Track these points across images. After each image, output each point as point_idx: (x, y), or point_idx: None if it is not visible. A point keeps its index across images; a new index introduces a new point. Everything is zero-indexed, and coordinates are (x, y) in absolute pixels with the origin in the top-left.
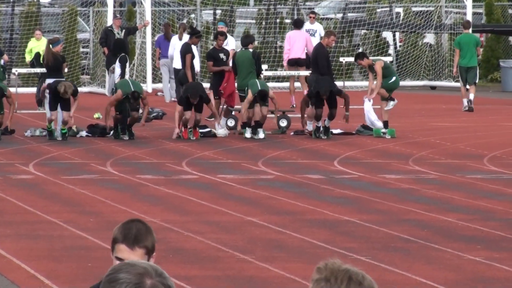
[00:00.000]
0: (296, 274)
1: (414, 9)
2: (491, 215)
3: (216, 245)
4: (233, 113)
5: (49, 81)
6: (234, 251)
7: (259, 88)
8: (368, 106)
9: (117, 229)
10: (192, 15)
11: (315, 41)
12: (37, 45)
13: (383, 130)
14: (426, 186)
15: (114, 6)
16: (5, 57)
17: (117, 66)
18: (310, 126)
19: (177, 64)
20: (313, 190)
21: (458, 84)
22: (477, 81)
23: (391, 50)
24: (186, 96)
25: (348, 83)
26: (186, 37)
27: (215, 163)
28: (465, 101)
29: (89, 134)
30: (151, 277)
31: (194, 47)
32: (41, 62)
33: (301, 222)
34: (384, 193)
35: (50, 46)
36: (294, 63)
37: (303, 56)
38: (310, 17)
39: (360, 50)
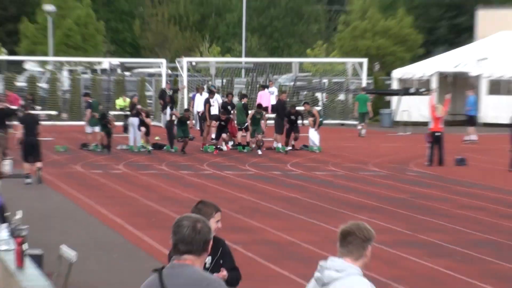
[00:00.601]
0: (267, 225)
1: (333, 80)
2: (372, 195)
3: (223, 210)
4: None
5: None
6: (233, 213)
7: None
8: (312, 134)
9: (194, 207)
10: (210, 82)
11: (272, 97)
12: (122, 102)
13: (315, 148)
14: (338, 178)
15: (166, 76)
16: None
17: (168, 111)
18: (276, 144)
19: (200, 108)
20: (276, 180)
21: (356, 122)
22: (367, 121)
23: (320, 103)
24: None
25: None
26: (205, 94)
27: (222, 165)
28: (363, 131)
29: (153, 148)
30: (200, 222)
31: (211, 100)
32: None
33: (269, 197)
34: (315, 182)
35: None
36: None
37: (268, 105)
38: (270, 84)
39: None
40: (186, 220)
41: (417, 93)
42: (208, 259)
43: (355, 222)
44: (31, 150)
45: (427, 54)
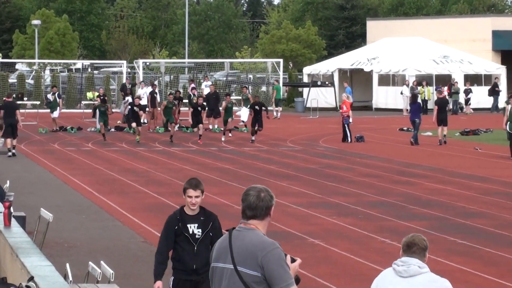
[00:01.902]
0: (206, 191)
1: (257, 75)
2: (290, 166)
3: (171, 179)
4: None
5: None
6: (178, 181)
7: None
8: (244, 111)
9: (186, 183)
10: (160, 78)
11: (207, 89)
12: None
13: (244, 129)
14: (262, 153)
15: (126, 74)
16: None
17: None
18: (211, 126)
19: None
20: (212, 154)
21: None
22: (281, 106)
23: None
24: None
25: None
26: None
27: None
28: (278, 114)
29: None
30: (263, 192)
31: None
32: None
33: (207, 168)
34: (244, 156)
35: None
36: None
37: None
38: (206, 78)
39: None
40: (252, 190)
41: (322, 85)
42: (199, 231)
43: (416, 234)
44: (10, 129)
45: (329, 55)
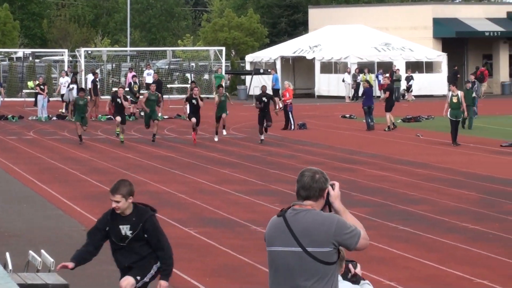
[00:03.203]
0: (148, 178)
1: (199, 63)
2: (232, 153)
3: (113, 167)
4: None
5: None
6: (120, 169)
7: None
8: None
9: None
10: (102, 66)
11: (149, 77)
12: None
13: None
14: (205, 140)
15: (68, 62)
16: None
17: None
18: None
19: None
20: (155, 142)
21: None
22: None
23: (189, 81)
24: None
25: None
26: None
27: (113, 131)
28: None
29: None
30: (318, 173)
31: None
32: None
33: (150, 156)
34: (186, 144)
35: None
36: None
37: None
38: (147, 66)
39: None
40: (307, 171)
41: (265, 73)
42: (130, 233)
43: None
44: None
45: (271, 43)
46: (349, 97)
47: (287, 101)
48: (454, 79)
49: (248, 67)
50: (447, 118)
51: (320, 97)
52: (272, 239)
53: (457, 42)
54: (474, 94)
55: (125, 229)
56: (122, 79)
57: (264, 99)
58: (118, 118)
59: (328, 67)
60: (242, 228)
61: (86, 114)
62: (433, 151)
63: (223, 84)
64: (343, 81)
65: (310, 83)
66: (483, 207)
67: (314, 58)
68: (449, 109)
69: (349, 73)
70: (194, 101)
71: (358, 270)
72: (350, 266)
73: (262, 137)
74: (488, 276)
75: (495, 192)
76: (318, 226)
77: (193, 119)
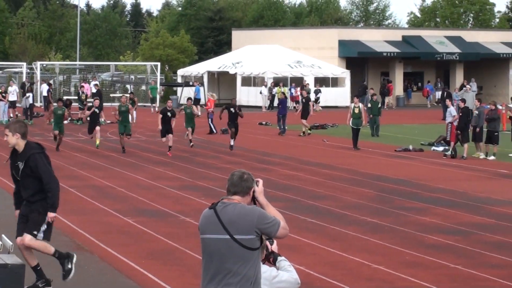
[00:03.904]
0: (92, 174)
1: (138, 76)
2: (165, 154)
3: (63, 164)
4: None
5: None
6: (69, 166)
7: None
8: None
9: None
10: (51, 81)
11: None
12: None
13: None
14: (142, 143)
15: (26, 74)
16: None
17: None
18: (102, 119)
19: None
20: (100, 143)
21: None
22: (157, 103)
23: (129, 91)
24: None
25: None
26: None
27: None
28: (154, 110)
29: None
30: (246, 174)
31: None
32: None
33: (95, 155)
34: (126, 145)
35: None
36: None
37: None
38: (93, 78)
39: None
40: (237, 172)
41: (194, 85)
42: (21, 165)
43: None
44: None
45: (200, 60)
46: (266, 107)
47: (209, 109)
48: (363, 92)
49: (179, 80)
50: (349, 126)
51: (240, 106)
52: (204, 228)
53: (359, 61)
54: (380, 105)
55: (20, 165)
56: (72, 88)
57: (232, 109)
58: (98, 128)
59: (248, 81)
60: (173, 218)
61: (64, 123)
62: (337, 154)
63: (156, 94)
64: (261, 93)
65: (232, 94)
66: (380, 203)
67: (236, 73)
68: (351, 119)
69: (266, 86)
70: (169, 113)
71: (275, 247)
72: (267, 243)
73: (232, 143)
74: (384, 262)
75: (389, 190)
76: (243, 217)
77: (164, 139)
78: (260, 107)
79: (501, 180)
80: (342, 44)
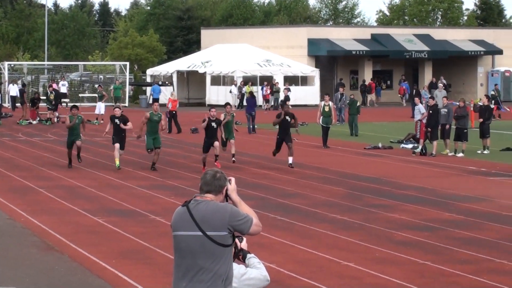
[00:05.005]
0: (62, 175)
1: (107, 76)
2: (136, 154)
3: (32, 165)
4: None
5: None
6: (39, 166)
7: None
8: (101, 105)
9: None
10: (23, 78)
11: (64, 87)
12: None
13: (95, 122)
14: (109, 142)
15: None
16: None
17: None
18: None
19: (14, 94)
20: None
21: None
22: (119, 102)
23: (97, 91)
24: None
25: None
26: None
27: (32, 133)
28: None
29: None
30: (219, 173)
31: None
32: None
33: (63, 155)
34: (93, 145)
35: None
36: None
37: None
38: (62, 78)
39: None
40: (210, 171)
41: (163, 84)
42: None
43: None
44: None
45: (169, 59)
46: (235, 106)
47: (173, 110)
48: (338, 89)
49: (148, 79)
50: (319, 124)
51: (210, 105)
52: (177, 225)
53: (328, 59)
54: (359, 103)
55: None
56: (40, 89)
57: (288, 118)
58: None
59: (217, 80)
60: (143, 217)
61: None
62: (307, 153)
63: (119, 94)
64: (230, 92)
65: (201, 94)
66: (350, 200)
67: (205, 72)
68: (321, 117)
69: (235, 85)
70: (117, 120)
71: (244, 245)
72: (237, 240)
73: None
74: (353, 259)
75: (359, 188)
76: (215, 214)
77: (116, 145)
78: None
79: (470, 177)
80: (312, 42)
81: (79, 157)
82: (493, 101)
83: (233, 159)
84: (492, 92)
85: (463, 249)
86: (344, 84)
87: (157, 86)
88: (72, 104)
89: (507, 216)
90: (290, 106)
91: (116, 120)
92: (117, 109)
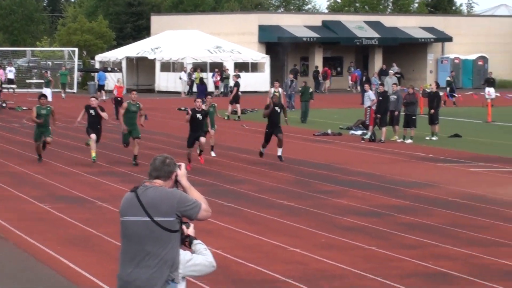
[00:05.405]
0: (9, 161)
1: (55, 62)
2: (84, 140)
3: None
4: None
5: None
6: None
7: None
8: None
9: None
10: None
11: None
12: None
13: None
14: (59, 129)
15: None
16: None
17: None
18: (17, 106)
19: None
20: (16, 130)
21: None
22: (65, 89)
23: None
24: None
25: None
26: None
27: None
28: (63, 95)
29: None
30: (168, 159)
31: None
32: None
33: (12, 142)
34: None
35: None
36: None
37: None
38: (9, 64)
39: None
40: (160, 156)
41: (112, 70)
42: None
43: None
44: None
45: (118, 45)
46: (185, 92)
47: (119, 97)
48: (295, 75)
49: (97, 65)
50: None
51: (160, 92)
52: (125, 210)
53: (279, 46)
54: (311, 90)
55: None
56: None
57: (277, 108)
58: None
59: (167, 66)
60: (90, 204)
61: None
62: (256, 139)
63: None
64: (180, 78)
65: (151, 80)
66: (298, 186)
67: (155, 59)
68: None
69: (185, 71)
70: (92, 111)
71: (191, 231)
72: (183, 227)
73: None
74: (300, 244)
75: (307, 174)
76: (163, 200)
77: (93, 135)
78: (179, 93)
79: (418, 163)
80: (262, 29)
81: (44, 148)
82: (448, 88)
83: (212, 152)
84: (448, 78)
85: (409, 234)
86: (298, 70)
87: (102, 73)
88: (41, 93)
89: (454, 202)
90: (240, 93)
91: (91, 111)
92: (93, 99)
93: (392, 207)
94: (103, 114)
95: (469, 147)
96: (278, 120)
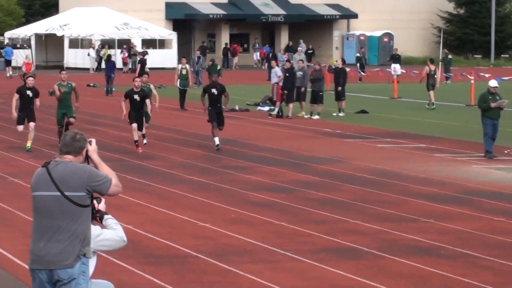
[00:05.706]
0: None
1: None
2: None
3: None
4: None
5: None
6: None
7: None
8: None
9: None
10: None
11: None
12: None
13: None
14: None
15: None
16: None
17: None
18: None
19: None
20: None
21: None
22: None
23: None
24: None
25: None
26: None
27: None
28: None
29: None
30: (79, 134)
31: None
32: None
33: None
34: None
35: None
36: None
37: None
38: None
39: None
40: (70, 132)
41: (21, 47)
42: None
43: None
44: None
45: (27, 22)
46: (93, 69)
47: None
48: (203, 53)
49: (6, 42)
50: (177, 87)
51: (68, 68)
52: (36, 185)
53: (186, 23)
54: (219, 67)
55: None
56: None
57: (214, 91)
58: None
59: (76, 43)
60: (1, 179)
61: None
62: (164, 115)
63: None
64: (88, 55)
65: (60, 57)
66: (206, 162)
67: (63, 35)
68: (179, 80)
69: (93, 48)
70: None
71: (102, 206)
72: (94, 202)
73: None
74: (210, 220)
75: (216, 150)
76: (74, 175)
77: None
78: (88, 69)
79: (325, 139)
80: (169, 6)
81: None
82: (358, 64)
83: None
84: (358, 55)
85: (318, 210)
86: (206, 47)
87: (9, 48)
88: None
89: (361, 178)
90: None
91: (29, 92)
92: (30, 78)
93: (301, 182)
94: (37, 102)
95: (376, 123)
96: (217, 102)
